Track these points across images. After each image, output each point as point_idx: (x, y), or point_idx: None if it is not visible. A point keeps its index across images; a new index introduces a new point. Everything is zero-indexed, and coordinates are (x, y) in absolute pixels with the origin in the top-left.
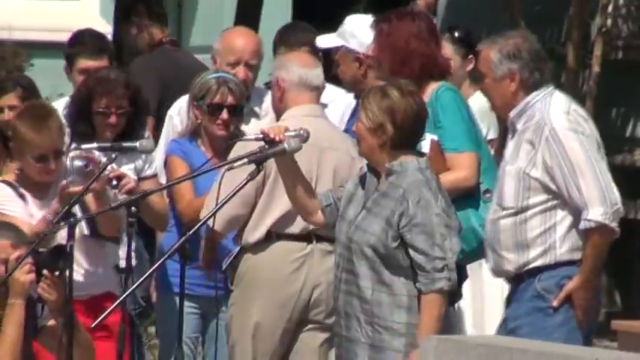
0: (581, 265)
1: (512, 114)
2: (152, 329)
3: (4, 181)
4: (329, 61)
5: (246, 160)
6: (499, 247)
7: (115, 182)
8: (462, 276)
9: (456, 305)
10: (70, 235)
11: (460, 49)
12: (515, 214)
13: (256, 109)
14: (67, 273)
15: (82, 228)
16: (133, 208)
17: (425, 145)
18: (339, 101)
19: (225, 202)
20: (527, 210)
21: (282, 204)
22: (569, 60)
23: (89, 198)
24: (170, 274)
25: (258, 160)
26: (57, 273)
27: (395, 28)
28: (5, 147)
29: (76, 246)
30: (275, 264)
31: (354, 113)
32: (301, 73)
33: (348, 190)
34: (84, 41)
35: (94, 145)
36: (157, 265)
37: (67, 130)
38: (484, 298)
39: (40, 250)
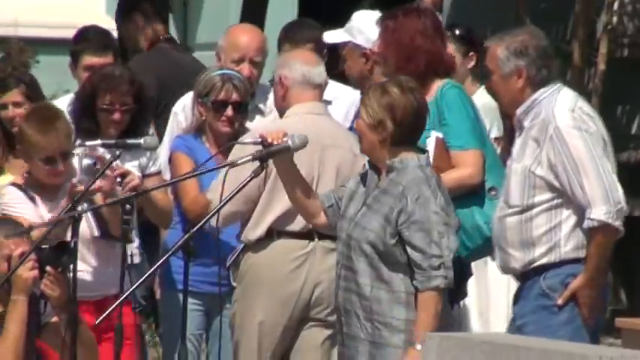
0: (586, 263)
1: (519, 111)
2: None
3: (14, 184)
4: (335, 57)
5: (250, 157)
6: (505, 244)
7: (119, 180)
8: (466, 273)
9: (461, 303)
10: (75, 232)
11: (461, 47)
12: (521, 212)
13: (261, 105)
14: (71, 269)
15: (93, 229)
16: (127, 205)
17: (430, 143)
18: (343, 98)
19: (228, 200)
20: (532, 208)
21: (283, 202)
22: (574, 57)
23: (98, 198)
24: (174, 270)
25: (262, 157)
26: (60, 269)
27: (400, 24)
28: (8, 143)
29: (87, 247)
30: (275, 262)
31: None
32: (304, 70)
33: (350, 188)
34: (89, 38)
35: (98, 141)
36: (160, 261)
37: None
38: (489, 296)
39: (43, 246)
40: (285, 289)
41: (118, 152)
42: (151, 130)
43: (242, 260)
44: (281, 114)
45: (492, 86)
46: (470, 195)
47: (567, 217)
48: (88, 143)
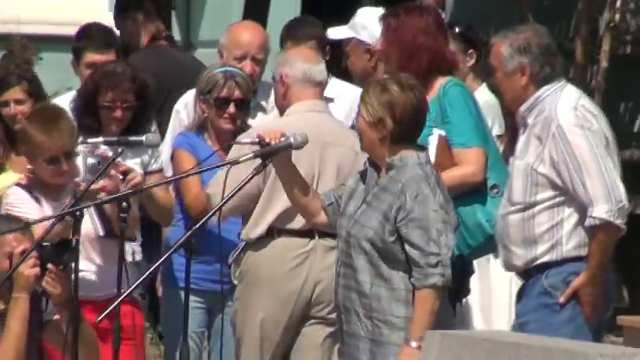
0: (588, 261)
1: (522, 108)
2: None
3: (19, 185)
4: (337, 55)
5: (252, 155)
6: (508, 242)
7: (121, 177)
8: (468, 271)
9: (464, 300)
10: (76, 229)
11: (460, 45)
12: (524, 209)
13: (263, 103)
14: (73, 267)
15: (98, 229)
16: (124, 203)
17: (432, 140)
18: (346, 96)
19: (230, 197)
20: (534, 206)
21: (283, 200)
22: (577, 55)
23: (102, 197)
24: (176, 268)
25: (264, 154)
26: (61, 267)
27: (403, 22)
28: (10, 141)
29: (92, 246)
30: (276, 260)
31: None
32: (305, 68)
33: (350, 186)
34: (91, 35)
35: (100, 139)
36: (162, 259)
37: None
38: (492, 294)
39: (45, 243)
40: (286, 287)
41: (120, 149)
42: (153, 128)
43: (243, 259)
44: (281, 112)
45: (496, 83)
46: (472, 193)
47: (569, 215)
48: (90, 140)
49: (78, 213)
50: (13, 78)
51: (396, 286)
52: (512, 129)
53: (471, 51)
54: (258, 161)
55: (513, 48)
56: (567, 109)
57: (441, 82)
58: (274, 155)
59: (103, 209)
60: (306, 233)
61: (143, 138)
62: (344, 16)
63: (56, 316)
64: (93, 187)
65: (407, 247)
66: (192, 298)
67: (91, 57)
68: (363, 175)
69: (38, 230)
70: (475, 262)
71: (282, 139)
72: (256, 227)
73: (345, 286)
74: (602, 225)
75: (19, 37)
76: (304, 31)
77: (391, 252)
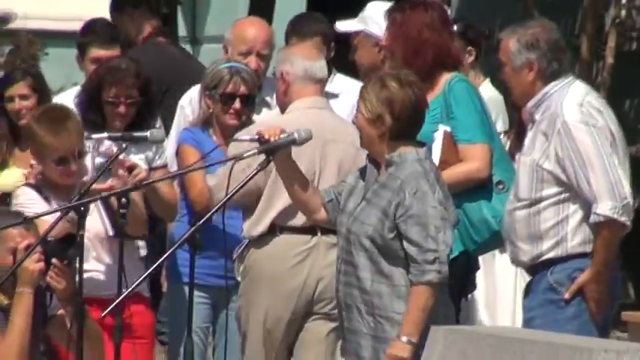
0: (593, 258)
1: (530, 104)
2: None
3: (28, 184)
4: (341, 51)
5: (256, 150)
6: (515, 237)
7: (127, 174)
8: (473, 267)
9: (469, 296)
10: (80, 225)
11: (459, 42)
12: (529, 205)
13: (268, 98)
14: (77, 262)
15: (107, 229)
16: (123, 199)
17: (438, 136)
18: (350, 92)
19: (234, 193)
20: (540, 202)
21: (284, 197)
22: (582, 51)
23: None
24: (180, 263)
25: (268, 150)
26: (66, 262)
27: (408, 17)
28: (14, 136)
29: (101, 246)
30: (277, 258)
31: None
32: (306, 65)
33: (349, 184)
34: (96, 30)
35: (105, 134)
36: (166, 254)
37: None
38: (497, 289)
39: (49, 238)
40: (288, 284)
41: (124, 145)
42: (158, 124)
43: (246, 256)
44: (282, 110)
45: (504, 79)
46: (477, 189)
47: (574, 212)
48: (94, 136)
49: (82, 208)
50: (18, 73)
51: (397, 283)
52: (519, 125)
53: (470, 48)
54: (262, 157)
55: (521, 43)
56: (573, 106)
57: (446, 77)
58: (278, 151)
59: (112, 209)
60: (308, 230)
61: (147, 134)
62: (350, 12)
63: (60, 311)
64: (101, 186)
65: (405, 243)
66: (197, 293)
67: (96, 52)
68: (362, 172)
69: (45, 227)
70: (480, 258)
71: (283, 135)
72: (258, 224)
73: (346, 283)
74: (606, 222)
75: (25, 33)
76: (309, 27)
77: (391, 249)
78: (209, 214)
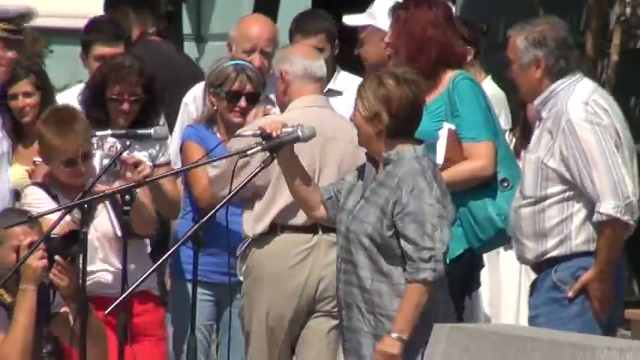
0: (596, 256)
1: (537, 102)
2: None
3: (36, 183)
4: (347, 48)
5: (260, 147)
6: (520, 235)
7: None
8: (478, 265)
9: (473, 294)
10: (84, 222)
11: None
12: (534, 203)
13: (271, 96)
14: (81, 259)
15: (116, 229)
16: (127, 196)
17: (442, 134)
18: (355, 89)
19: (238, 190)
20: (545, 199)
21: (285, 196)
22: (587, 49)
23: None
24: (184, 261)
25: (272, 147)
26: (69, 259)
27: (412, 15)
28: (17, 134)
29: (109, 245)
30: (278, 257)
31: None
32: (305, 64)
33: (349, 182)
34: (100, 28)
35: (109, 131)
36: (170, 251)
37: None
38: (501, 287)
39: (53, 236)
40: (289, 283)
41: (128, 142)
42: (162, 121)
43: (248, 255)
44: (282, 109)
45: (512, 76)
46: (482, 187)
47: (578, 210)
48: (98, 133)
49: (86, 206)
50: (22, 71)
51: (396, 282)
52: (524, 123)
53: (468, 47)
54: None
55: (529, 41)
56: (578, 104)
57: (450, 75)
58: (282, 148)
59: (119, 205)
60: (309, 229)
61: (151, 131)
62: (355, 8)
63: (64, 309)
64: (106, 188)
65: (402, 241)
66: (201, 290)
67: (100, 50)
68: (361, 171)
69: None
70: (485, 256)
71: (285, 129)
72: (259, 223)
73: (346, 282)
74: (609, 221)
75: (30, 30)
76: (313, 25)
77: (390, 247)
78: (212, 211)
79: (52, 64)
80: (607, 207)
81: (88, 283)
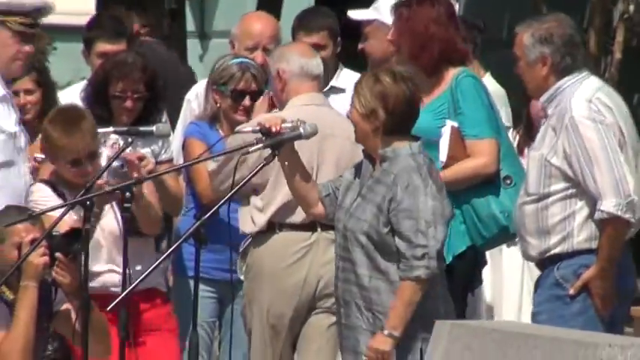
0: (598, 254)
1: (542, 99)
2: None
3: (43, 181)
4: (351, 44)
5: (261, 145)
6: (524, 232)
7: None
8: (480, 262)
9: (475, 291)
10: (86, 219)
11: None
12: (538, 200)
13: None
14: (83, 256)
15: (122, 228)
16: (127, 193)
17: (445, 132)
18: None
19: (239, 188)
20: (548, 197)
21: (283, 194)
22: (590, 46)
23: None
24: (186, 257)
25: (273, 144)
26: (71, 256)
27: (414, 12)
28: None
29: (114, 243)
30: (277, 255)
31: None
32: (302, 62)
33: (346, 179)
34: (102, 25)
35: (111, 128)
36: (172, 248)
37: None
38: (503, 284)
39: (55, 233)
40: (288, 281)
41: (130, 139)
42: (164, 118)
43: (249, 253)
44: (280, 107)
45: (519, 73)
46: (485, 184)
47: (581, 208)
48: (100, 130)
49: (88, 203)
50: None
51: (394, 279)
52: (527, 120)
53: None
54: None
55: (535, 38)
56: (581, 102)
57: (452, 72)
58: (284, 145)
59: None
60: (308, 227)
61: (154, 128)
62: (358, 6)
63: (66, 306)
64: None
65: (396, 238)
66: (203, 287)
67: (102, 47)
68: (359, 168)
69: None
70: (488, 254)
71: (284, 125)
72: (257, 221)
73: (345, 280)
74: (610, 219)
75: None
76: (316, 22)
77: (386, 244)
78: (214, 208)
79: (55, 61)
80: (608, 205)
81: (94, 281)
